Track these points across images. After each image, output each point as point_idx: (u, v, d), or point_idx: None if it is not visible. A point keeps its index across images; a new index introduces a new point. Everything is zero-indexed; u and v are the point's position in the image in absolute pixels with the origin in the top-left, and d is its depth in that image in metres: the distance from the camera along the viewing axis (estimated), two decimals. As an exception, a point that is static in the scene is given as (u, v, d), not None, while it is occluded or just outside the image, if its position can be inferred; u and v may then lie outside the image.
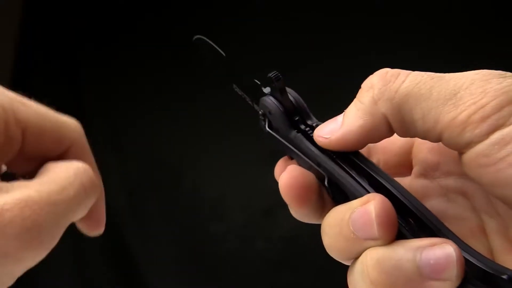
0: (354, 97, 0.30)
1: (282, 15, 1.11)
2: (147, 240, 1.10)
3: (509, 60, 1.03)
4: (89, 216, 0.31)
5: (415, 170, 0.31)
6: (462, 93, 0.25)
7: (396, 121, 0.27)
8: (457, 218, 0.29)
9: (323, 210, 0.29)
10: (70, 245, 1.11)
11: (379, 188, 0.27)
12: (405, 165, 0.32)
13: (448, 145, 0.26)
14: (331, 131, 0.28)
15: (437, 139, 0.26)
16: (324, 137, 0.28)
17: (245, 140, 1.08)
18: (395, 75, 0.27)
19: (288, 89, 0.30)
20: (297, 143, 0.29)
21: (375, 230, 0.25)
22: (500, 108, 0.25)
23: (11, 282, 0.25)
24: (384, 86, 0.27)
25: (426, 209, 0.27)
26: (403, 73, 0.27)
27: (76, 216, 0.27)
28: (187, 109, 1.12)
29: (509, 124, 0.24)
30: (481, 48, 1.02)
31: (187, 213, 1.11)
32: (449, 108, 0.25)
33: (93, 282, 1.11)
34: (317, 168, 0.29)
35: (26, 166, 0.28)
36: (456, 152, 0.27)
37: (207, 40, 0.34)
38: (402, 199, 0.27)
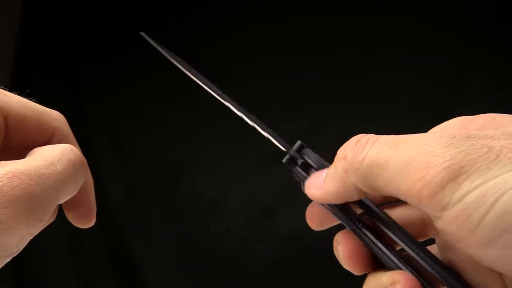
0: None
1: (282, 15, 1.11)
2: (147, 240, 1.10)
3: (509, 60, 1.03)
4: (79, 205, 0.31)
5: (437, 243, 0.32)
6: (412, 166, 0.26)
7: (366, 187, 0.28)
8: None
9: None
10: (69, 245, 1.11)
11: (406, 258, 0.30)
12: (420, 226, 0.33)
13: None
14: (316, 187, 0.31)
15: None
16: (311, 191, 0.31)
17: (245, 140, 1.08)
18: (362, 145, 0.28)
19: (307, 153, 0.33)
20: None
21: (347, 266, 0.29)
22: (442, 186, 0.24)
23: (7, 256, 0.25)
24: (352, 157, 0.28)
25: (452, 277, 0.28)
26: (370, 141, 0.28)
27: (66, 193, 0.28)
28: (187, 109, 1.12)
29: (453, 204, 0.24)
30: (481, 48, 1.02)
31: (187, 213, 1.11)
32: (403, 179, 0.26)
33: (93, 282, 1.11)
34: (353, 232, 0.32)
35: (11, 157, 0.28)
36: None
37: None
38: (428, 269, 0.29)
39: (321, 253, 1.09)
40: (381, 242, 0.30)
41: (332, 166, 0.30)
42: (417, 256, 0.29)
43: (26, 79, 1.16)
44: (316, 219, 0.34)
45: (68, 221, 0.32)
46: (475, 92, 0.98)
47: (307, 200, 0.35)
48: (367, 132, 0.29)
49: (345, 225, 0.31)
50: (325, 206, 0.32)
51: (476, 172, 0.24)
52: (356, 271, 0.32)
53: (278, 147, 0.34)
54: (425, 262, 0.29)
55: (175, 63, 0.35)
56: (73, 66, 1.17)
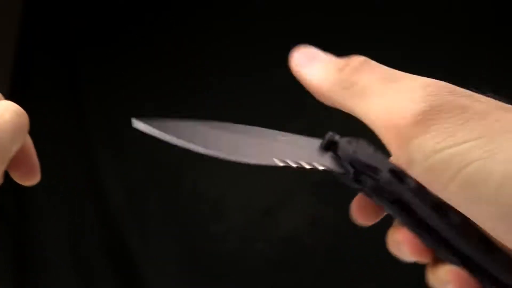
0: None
1: (282, 15, 1.11)
2: (147, 240, 1.10)
3: (509, 60, 1.03)
4: (23, 163, 0.33)
5: None
6: (389, 110, 0.27)
7: (341, 104, 0.29)
8: None
9: None
10: (69, 245, 1.11)
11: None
12: None
13: None
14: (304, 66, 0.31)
15: None
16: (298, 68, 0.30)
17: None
18: (358, 69, 0.29)
19: (344, 150, 0.31)
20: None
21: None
22: (409, 139, 0.25)
23: None
24: (344, 79, 0.29)
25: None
26: (367, 66, 0.30)
27: (17, 140, 0.30)
28: (188, 109, 1.12)
29: (419, 162, 0.25)
30: (481, 48, 1.02)
31: (187, 213, 1.11)
32: (380, 119, 0.27)
33: (93, 282, 1.11)
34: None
35: None
36: None
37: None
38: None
39: (321, 253, 1.09)
40: (429, 234, 0.28)
41: (324, 67, 0.29)
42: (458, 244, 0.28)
43: (26, 79, 1.16)
44: (365, 212, 0.31)
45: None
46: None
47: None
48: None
49: (402, 222, 0.30)
50: (381, 198, 0.30)
51: (444, 132, 0.24)
52: (424, 260, 0.30)
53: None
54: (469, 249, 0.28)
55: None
56: (73, 66, 1.17)
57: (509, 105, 0.26)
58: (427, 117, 0.24)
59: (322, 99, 0.30)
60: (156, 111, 1.13)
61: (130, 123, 0.31)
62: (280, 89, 1.08)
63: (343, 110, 0.28)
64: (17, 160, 0.32)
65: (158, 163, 1.12)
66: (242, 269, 1.07)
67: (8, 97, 0.33)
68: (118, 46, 1.17)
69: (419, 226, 0.29)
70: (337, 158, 0.30)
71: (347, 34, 1.08)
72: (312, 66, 0.30)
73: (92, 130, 1.14)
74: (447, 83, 0.27)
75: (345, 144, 0.31)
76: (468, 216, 0.25)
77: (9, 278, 1.09)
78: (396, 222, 0.30)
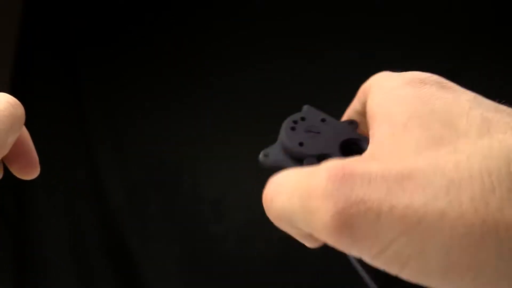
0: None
1: (282, 15, 1.11)
2: (147, 240, 1.10)
3: (509, 60, 1.03)
4: (21, 156, 0.33)
5: None
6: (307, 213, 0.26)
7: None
8: None
9: None
10: (69, 245, 1.11)
11: None
12: None
13: None
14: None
15: None
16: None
17: (245, 140, 1.07)
18: (270, 198, 0.30)
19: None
20: None
21: None
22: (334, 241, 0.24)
23: None
24: (268, 211, 0.30)
25: None
26: (274, 192, 0.29)
27: (12, 130, 0.30)
28: (188, 109, 1.12)
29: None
30: (481, 48, 1.02)
31: (187, 213, 1.11)
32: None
33: (93, 281, 1.11)
34: None
35: None
36: None
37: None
38: None
39: (321, 253, 1.09)
40: None
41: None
42: None
43: (26, 79, 1.16)
44: None
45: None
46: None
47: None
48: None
49: None
50: None
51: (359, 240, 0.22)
52: None
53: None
54: None
55: None
56: (73, 66, 1.17)
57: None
58: (339, 222, 0.22)
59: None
60: (156, 111, 1.13)
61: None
62: (280, 89, 1.08)
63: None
64: (15, 153, 0.32)
65: (158, 163, 1.12)
66: (242, 269, 1.07)
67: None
68: (118, 46, 1.17)
69: None
70: None
71: (347, 34, 1.08)
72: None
73: (92, 130, 1.14)
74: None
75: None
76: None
77: (9, 278, 1.09)
78: None
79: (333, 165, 0.23)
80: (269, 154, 0.31)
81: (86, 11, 1.19)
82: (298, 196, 0.24)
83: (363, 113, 0.30)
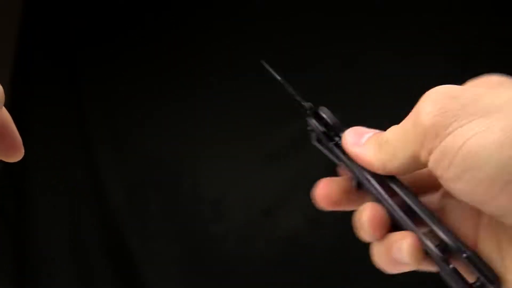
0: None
1: (282, 15, 1.11)
2: (147, 240, 1.10)
3: (509, 60, 1.03)
4: (3, 137, 0.32)
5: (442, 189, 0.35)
6: (414, 128, 0.32)
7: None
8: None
9: None
10: (69, 245, 1.11)
11: (394, 195, 0.34)
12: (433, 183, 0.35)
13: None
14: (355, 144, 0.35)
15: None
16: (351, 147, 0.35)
17: (245, 140, 1.07)
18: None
19: (322, 109, 0.38)
20: (333, 152, 0.37)
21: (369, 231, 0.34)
22: (433, 137, 0.30)
23: None
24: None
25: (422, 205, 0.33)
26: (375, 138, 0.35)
27: None
28: (188, 109, 1.12)
29: (435, 148, 0.30)
30: (481, 48, 1.02)
31: (187, 213, 1.11)
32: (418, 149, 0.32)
33: (93, 281, 1.11)
34: (349, 171, 0.36)
35: None
36: None
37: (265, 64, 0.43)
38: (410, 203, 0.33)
39: (321, 253, 1.09)
40: (402, 210, 0.33)
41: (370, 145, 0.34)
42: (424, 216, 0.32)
43: (26, 79, 1.16)
44: (330, 196, 0.36)
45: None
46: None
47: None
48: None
49: (371, 190, 0.34)
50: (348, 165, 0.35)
51: (451, 124, 0.29)
52: (375, 236, 0.34)
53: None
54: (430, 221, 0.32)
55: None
56: (73, 66, 1.17)
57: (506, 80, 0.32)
58: (438, 121, 0.30)
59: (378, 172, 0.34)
60: (156, 111, 1.14)
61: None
62: (280, 89, 1.08)
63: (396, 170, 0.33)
64: None
65: (158, 163, 1.12)
66: (242, 269, 1.07)
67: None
68: (118, 46, 1.17)
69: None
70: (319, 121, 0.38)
71: (347, 34, 1.08)
72: (363, 146, 0.35)
73: (92, 130, 1.14)
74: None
75: (326, 110, 0.38)
76: (461, 192, 0.30)
77: (9, 278, 1.09)
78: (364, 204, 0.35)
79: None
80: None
81: (86, 11, 1.19)
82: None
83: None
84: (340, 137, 0.36)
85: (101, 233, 1.11)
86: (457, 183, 0.29)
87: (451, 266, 0.31)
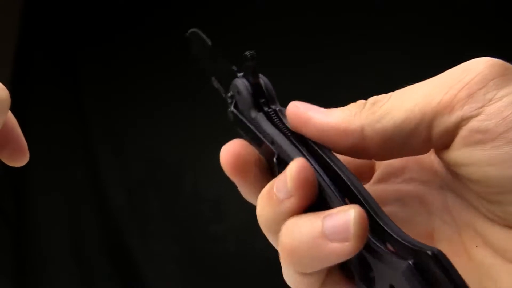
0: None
1: (282, 15, 1.11)
2: (147, 240, 1.10)
3: (510, 60, 1.03)
4: (9, 142, 0.32)
5: (376, 174, 0.31)
6: (442, 79, 0.26)
7: (373, 132, 0.27)
8: (407, 221, 0.28)
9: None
10: (70, 245, 1.11)
11: (324, 167, 0.28)
12: (367, 169, 0.31)
13: (438, 137, 0.26)
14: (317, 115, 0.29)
15: (425, 137, 0.26)
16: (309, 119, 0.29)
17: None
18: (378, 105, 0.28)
19: (260, 75, 0.32)
20: (257, 122, 0.31)
21: (291, 188, 0.26)
22: (486, 82, 0.24)
23: None
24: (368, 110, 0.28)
25: (367, 192, 0.26)
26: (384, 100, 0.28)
27: None
28: (187, 109, 1.12)
29: (499, 99, 0.24)
30: (481, 48, 1.02)
31: (187, 213, 1.11)
32: (432, 96, 0.25)
33: (93, 281, 1.11)
34: (271, 146, 0.30)
35: None
36: (422, 157, 0.28)
37: (198, 31, 0.37)
38: (345, 179, 0.27)
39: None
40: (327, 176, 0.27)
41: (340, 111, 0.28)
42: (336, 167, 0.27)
43: (26, 79, 1.16)
44: (238, 157, 0.30)
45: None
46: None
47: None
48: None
49: (272, 133, 0.29)
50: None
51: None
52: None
53: (239, 129, 0.34)
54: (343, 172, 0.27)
55: None
56: (73, 66, 1.17)
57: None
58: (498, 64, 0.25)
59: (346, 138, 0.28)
60: (156, 111, 1.13)
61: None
62: (280, 89, 1.08)
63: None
64: (3, 139, 0.32)
65: (158, 163, 1.12)
66: (242, 269, 1.07)
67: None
68: (118, 46, 1.17)
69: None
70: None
71: (347, 34, 1.07)
72: (327, 111, 0.29)
73: (92, 130, 1.14)
74: None
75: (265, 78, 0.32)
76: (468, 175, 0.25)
77: (9, 278, 1.09)
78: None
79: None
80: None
81: (86, 11, 1.19)
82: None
83: None
84: (270, 108, 0.31)
85: (101, 233, 1.11)
86: (491, 167, 0.24)
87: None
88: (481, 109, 0.24)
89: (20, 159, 0.33)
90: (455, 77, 0.25)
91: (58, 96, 1.16)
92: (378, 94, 0.29)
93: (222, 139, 0.35)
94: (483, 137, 0.24)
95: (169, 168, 1.12)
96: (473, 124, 0.25)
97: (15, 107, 0.32)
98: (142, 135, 1.13)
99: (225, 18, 1.13)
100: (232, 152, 0.31)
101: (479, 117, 0.24)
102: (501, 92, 0.24)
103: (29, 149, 0.34)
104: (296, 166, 0.26)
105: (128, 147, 1.14)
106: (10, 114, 0.32)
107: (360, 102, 0.28)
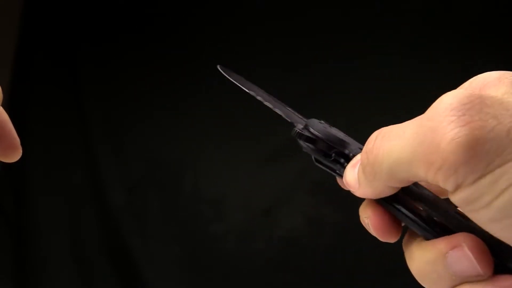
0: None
1: (282, 15, 1.11)
2: (147, 240, 1.10)
3: (509, 60, 1.03)
4: (1, 138, 0.32)
5: None
6: (421, 151, 0.25)
7: (397, 183, 0.28)
8: None
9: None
10: (70, 245, 1.11)
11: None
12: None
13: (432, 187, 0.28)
14: (353, 187, 0.30)
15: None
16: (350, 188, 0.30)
17: (245, 140, 1.08)
18: (376, 146, 0.28)
19: (315, 126, 0.33)
20: (335, 171, 0.32)
21: (478, 268, 0.26)
22: (454, 171, 0.24)
23: None
24: (370, 164, 0.29)
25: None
26: (378, 139, 0.28)
27: None
28: (187, 109, 1.12)
29: (467, 185, 0.24)
30: (482, 48, 1.02)
31: (187, 213, 1.11)
32: (417, 166, 0.26)
33: (93, 281, 1.11)
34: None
35: None
36: None
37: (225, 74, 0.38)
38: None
39: (321, 253, 1.09)
40: (411, 212, 0.29)
41: (359, 171, 0.29)
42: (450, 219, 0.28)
43: (26, 79, 1.16)
44: (386, 226, 0.30)
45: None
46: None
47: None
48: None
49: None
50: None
51: (487, 153, 0.23)
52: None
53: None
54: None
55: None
56: (73, 66, 1.17)
57: None
58: (465, 142, 0.24)
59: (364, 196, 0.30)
60: (156, 111, 1.14)
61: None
62: (279, 89, 1.08)
63: (405, 184, 0.28)
64: None
65: (158, 163, 1.12)
66: (242, 269, 1.07)
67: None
68: (118, 46, 1.17)
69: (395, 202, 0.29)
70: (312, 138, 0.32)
71: (347, 34, 1.08)
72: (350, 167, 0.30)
73: (92, 130, 1.14)
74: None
75: (317, 123, 0.33)
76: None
77: (9, 278, 1.09)
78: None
79: (458, 93, 0.25)
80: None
81: (86, 11, 1.19)
82: (416, 131, 0.25)
83: None
84: (344, 155, 0.31)
85: (101, 233, 1.11)
86: (492, 224, 0.24)
87: None
88: (454, 191, 0.25)
89: (13, 155, 0.33)
90: (428, 156, 0.25)
91: (58, 96, 1.16)
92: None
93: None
94: (462, 209, 0.25)
95: (169, 168, 1.12)
96: (452, 199, 0.25)
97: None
98: (142, 135, 1.13)
99: (225, 18, 1.13)
100: (380, 225, 0.31)
101: (453, 197, 0.25)
102: (469, 180, 0.24)
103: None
104: (475, 249, 0.26)
105: (128, 147, 1.14)
106: (1, 110, 0.32)
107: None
